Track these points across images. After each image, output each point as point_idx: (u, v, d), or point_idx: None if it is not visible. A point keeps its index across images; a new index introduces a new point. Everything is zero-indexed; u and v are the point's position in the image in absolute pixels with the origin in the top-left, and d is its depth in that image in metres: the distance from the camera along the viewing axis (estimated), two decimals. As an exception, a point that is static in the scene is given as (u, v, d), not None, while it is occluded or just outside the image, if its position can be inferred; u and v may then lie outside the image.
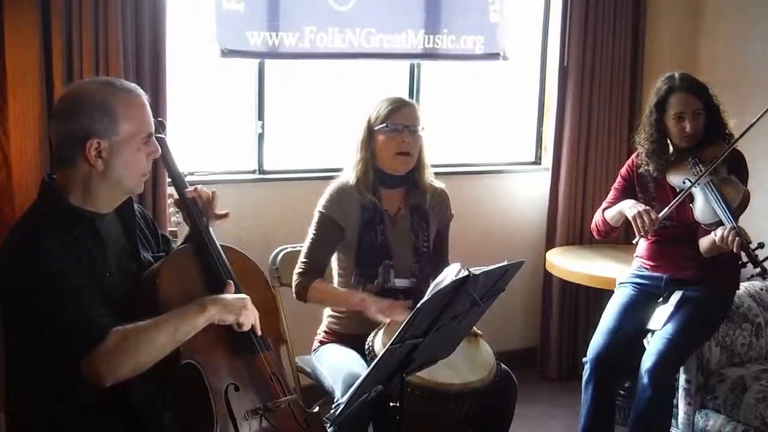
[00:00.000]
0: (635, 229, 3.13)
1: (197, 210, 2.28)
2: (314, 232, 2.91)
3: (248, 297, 2.18)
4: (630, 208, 3.18)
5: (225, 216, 2.36)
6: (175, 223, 3.23)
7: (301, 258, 2.92)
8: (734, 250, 2.91)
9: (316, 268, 2.89)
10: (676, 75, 3.23)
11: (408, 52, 3.97)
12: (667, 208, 3.12)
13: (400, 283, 2.86)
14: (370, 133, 2.87)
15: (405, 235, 2.92)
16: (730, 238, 2.92)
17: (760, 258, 2.89)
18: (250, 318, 2.15)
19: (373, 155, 2.87)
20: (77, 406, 1.99)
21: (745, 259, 2.90)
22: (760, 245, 2.91)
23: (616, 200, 3.37)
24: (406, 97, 3.04)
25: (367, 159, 2.87)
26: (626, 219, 3.20)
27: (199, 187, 2.33)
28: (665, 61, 4.34)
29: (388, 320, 2.65)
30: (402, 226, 2.93)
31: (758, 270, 2.87)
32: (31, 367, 2.03)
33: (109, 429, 2.05)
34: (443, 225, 3.04)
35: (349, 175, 2.92)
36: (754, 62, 4.10)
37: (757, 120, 3.07)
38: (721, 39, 4.34)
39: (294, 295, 2.92)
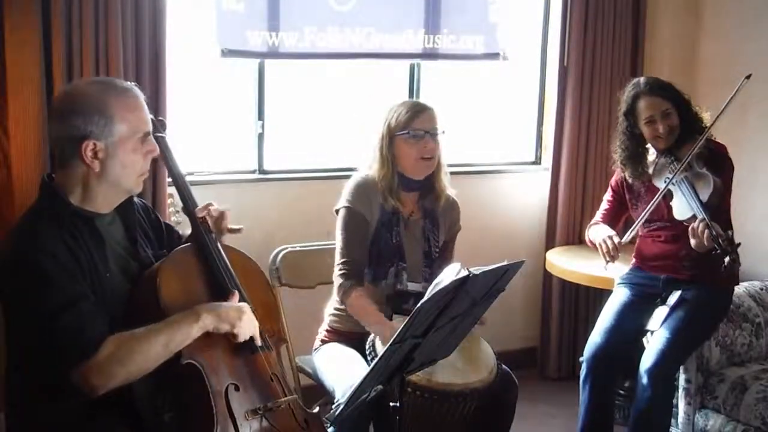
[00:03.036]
0: (601, 255, 3.20)
1: (205, 226, 2.28)
2: (344, 228, 2.84)
3: (247, 306, 2.17)
4: (599, 235, 3.25)
5: (238, 231, 2.36)
6: (175, 223, 3.23)
7: (339, 259, 2.84)
8: (705, 242, 2.91)
9: (357, 266, 2.82)
10: (641, 80, 3.24)
11: (408, 52, 3.98)
12: (645, 211, 3.15)
13: (412, 286, 2.84)
14: (391, 139, 2.84)
15: (416, 238, 2.92)
16: (700, 229, 2.93)
17: (730, 247, 2.88)
18: (247, 329, 2.14)
19: (395, 160, 2.85)
20: (77, 406, 1.99)
21: (716, 249, 2.90)
22: (731, 235, 2.91)
23: (608, 212, 3.43)
24: (423, 101, 3.01)
25: (390, 164, 2.84)
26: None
27: (212, 207, 2.31)
28: (665, 61, 4.34)
29: None
30: (414, 229, 2.92)
31: (728, 259, 2.86)
32: (30, 367, 2.03)
33: (109, 429, 2.05)
34: (451, 235, 3.03)
35: (369, 175, 2.90)
36: (754, 62, 4.10)
37: (726, 106, 3.05)
38: (721, 39, 4.34)
39: (338, 299, 2.86)
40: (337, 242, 2.87)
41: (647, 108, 3.17)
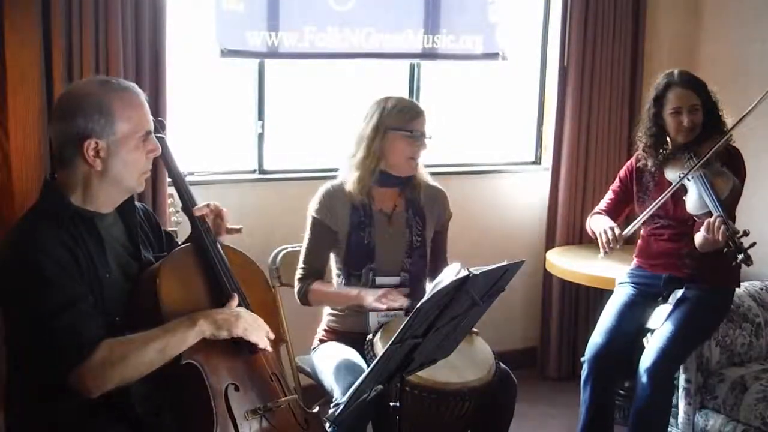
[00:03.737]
0: (599, 245, 3.18)
1: (205, 226, 2.27)
2: (309, 237, 2.93)
3: (244, 309, 2.16)
4: (600, 225, 3.23)
5: (238, 231, 2.36)
6: (175, 223, 3.24)
7: (300, 264, 2.94)
8: (719, 238, 2.91)
9: (314, 271, 2.91)
10: (676, 71, 3.26)
11: (407, 52, 3.98)
12: (655, 202, 3.13)
13: (383, 281, 2.85)
14: (385, 132, 2.83)
15: (401, 230, 2.92)
16: (716, 225, 2.93)
17: (745, 245, 2.90)
18: (254, 330, 2.13)
19: (381, 154, 2.85)
20: (77, 406, 1.99)
21: (731, 246, 2.91)
22: (745, 233, 2.92)
23: (612, 202, 3.42)
24: (416, 103, 3.02)
25: (374, 157, 2.84)
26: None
27: (212, 204, 2.31)
28: (665, 61, 4.34)
29: (384, 306, 2.68)
30: (398, 222, 2.93)
31: (741, 256, 2.88)
32: (28, 367, 2.03)
33: (109, 429, 2.05)
34: (441, 224, 3.04)
35: (343, 176, 2.92)
36: (754, 62, 4.11)
37: (751, 110, 3.07)
38: (721, 39, 4.34)
39: (298, 302, 2.94)
40: (302, 248, 2.96)
41: (676, 98, 3.19)
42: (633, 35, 4.34)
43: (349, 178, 2.89)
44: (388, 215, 2.93)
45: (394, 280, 2.87)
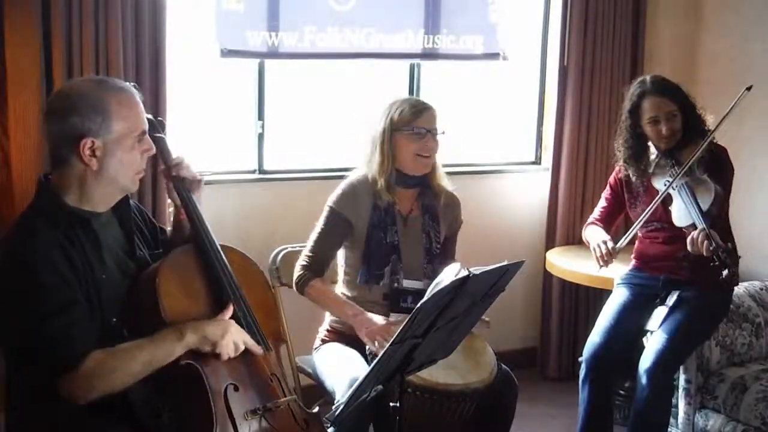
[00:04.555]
0: (594, 259, 3.17)
1: (186, 188, 2.26)
2: (322, 226, 2.90)
3: (232, 323, 2.14)
4: (593, 238, 3.23)
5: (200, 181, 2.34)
6: (175, 222, 3.23)
7: (306, 251, 2.92)
8: (704, 253, 2.90)
9: (319, 262, 2.89)
10: (648, 78, 3.22)
11: (408, 52, 3.98)
12: (642, 215, 3.14)
13: (408, 284, 2.85)
14: (392, 134, 2.86)
15: (416, 235, 2.92)
16: (699, 240, 2.92)
17: (730, 261, 2.87)
18: (228, 348, 2.10)
19: (393, 155, 2.86)
20: (77, 407, 1.98)
21: (715, 261, 2.89)
22: (729, 247, 2.89)
23: (605, 210, 3.41)
24: (425, 100, 3.02)
25: (388, 159, 2.85)
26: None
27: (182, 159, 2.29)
28: (665, 61, 4.34)
29: (376, 347, 2.60)
30: (413, 226, 2.93)
31: (726, 273, 2.86)
32: (26, 367, 2.03)
33: (109, 429, 2.05)
34: (453, 231, 3.05)
35: (364, 173, 2.92)
36: (754, 62, 4.11)
37: (731, 110, 3.06)
38: (721, 39, 4.34)
39: (294, 287, 2.92)
40: (311, 236, 2.93)
41: (652, 108, 3.15)
42: (633, 36, 4.34)
43: (371, 178, 2.89)
44: (404, 217, 2.93)
45: (419, 284, 2.85)
